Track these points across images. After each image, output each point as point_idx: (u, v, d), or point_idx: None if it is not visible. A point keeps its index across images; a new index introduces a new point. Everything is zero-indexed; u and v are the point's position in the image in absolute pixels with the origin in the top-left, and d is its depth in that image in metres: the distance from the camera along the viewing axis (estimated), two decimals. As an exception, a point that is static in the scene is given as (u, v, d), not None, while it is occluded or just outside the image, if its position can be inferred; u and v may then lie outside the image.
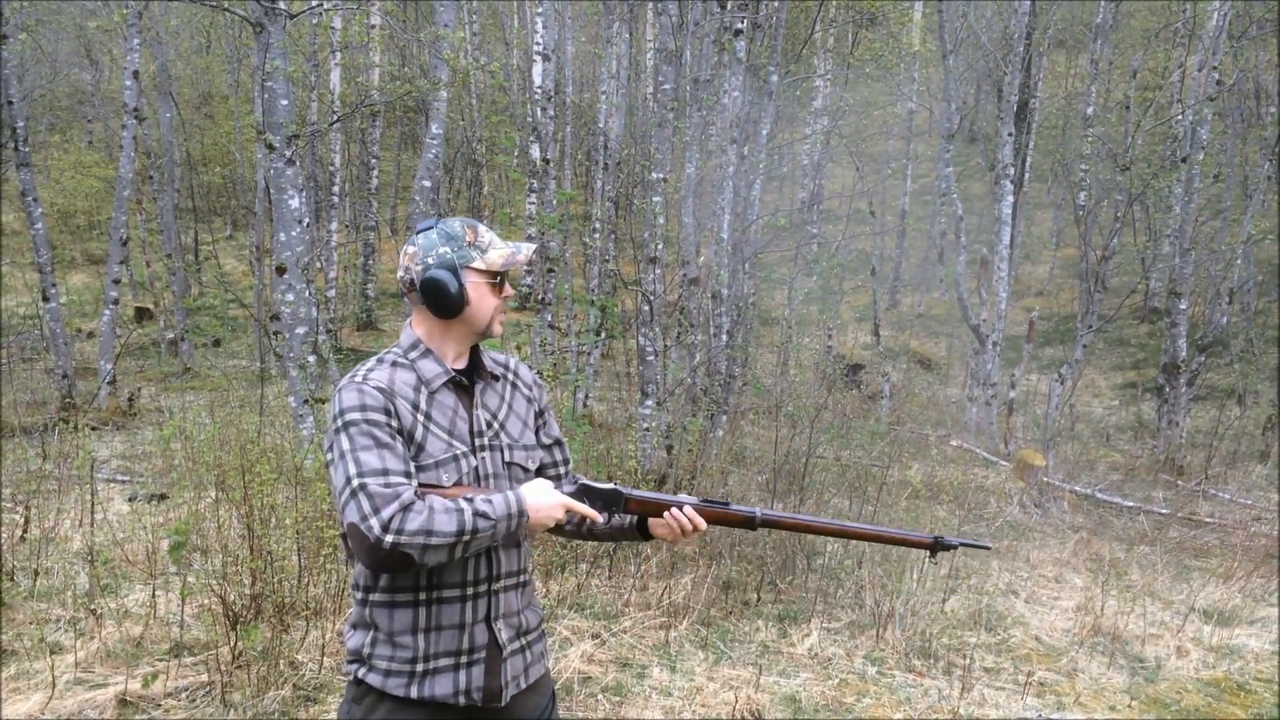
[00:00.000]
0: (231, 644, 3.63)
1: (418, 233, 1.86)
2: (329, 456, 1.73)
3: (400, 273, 1.85)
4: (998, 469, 9.65)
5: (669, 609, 4.62)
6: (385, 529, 1.60)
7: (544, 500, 1.77)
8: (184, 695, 3.47)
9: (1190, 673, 4.63)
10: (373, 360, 1.84)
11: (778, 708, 3.83)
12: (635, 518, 1.96)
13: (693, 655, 4.25)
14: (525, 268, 16.94)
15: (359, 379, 1.75)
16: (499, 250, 1.85)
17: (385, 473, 1.65)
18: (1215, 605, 5.65)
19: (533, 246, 1.88)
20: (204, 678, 3.55)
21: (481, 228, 1.87)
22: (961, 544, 1.93)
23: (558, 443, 2.04)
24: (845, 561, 5.19)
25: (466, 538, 1.65)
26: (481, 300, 1.84)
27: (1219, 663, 4.77)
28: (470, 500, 1.68)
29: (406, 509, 1.62)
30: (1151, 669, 4.64)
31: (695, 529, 1.90)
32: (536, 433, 1.99)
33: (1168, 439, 11.00)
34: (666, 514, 1.89)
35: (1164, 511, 8.30)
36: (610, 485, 1.89)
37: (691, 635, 4.45)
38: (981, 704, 4.04)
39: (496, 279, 1.85)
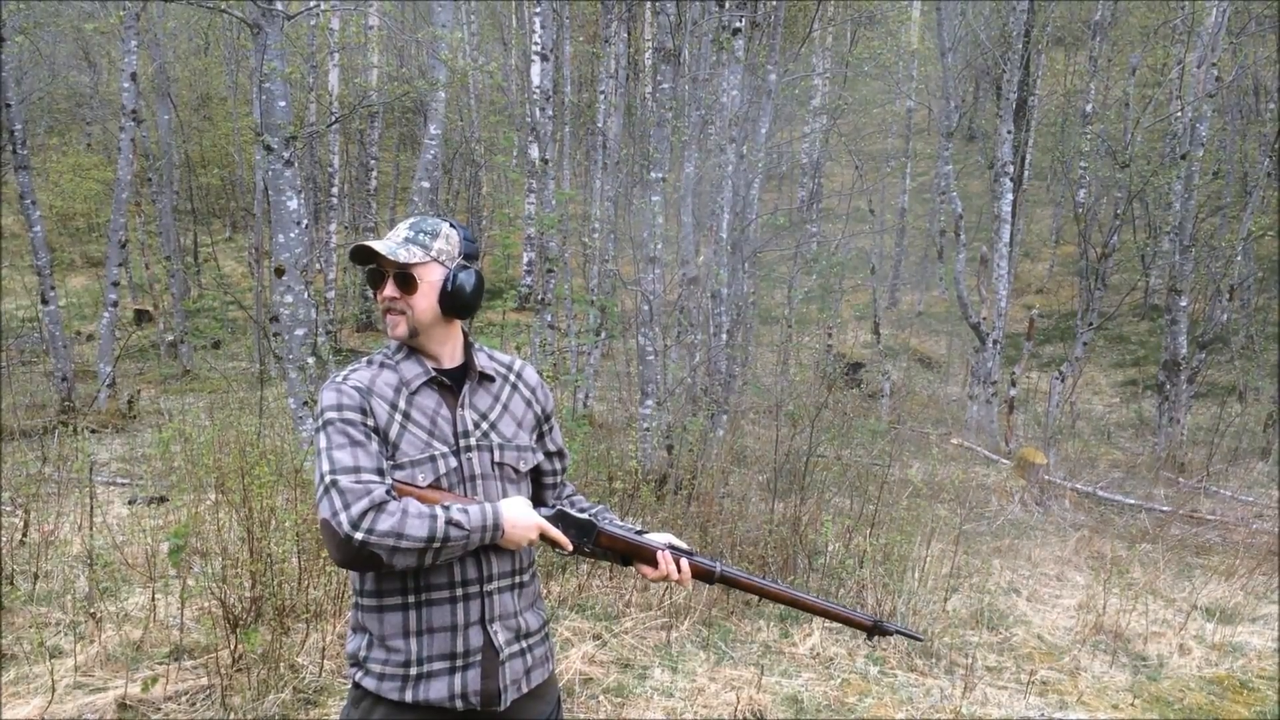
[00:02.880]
0: (231, 647, 3.62)
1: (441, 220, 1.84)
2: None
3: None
4: (999, 467, 9.64)
5: (670, 609, 4.61)
6: (355, 526, 1.61)
7: (522, 519, 1.77)
8: (184, 699, 3.46)
9: (1193, 671, 4.62)
10: (363, 360, 1.84)
11: (780, 708, 3.82)
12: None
13: (694, 656, 4.24)
14: (525, 268, 16.99)
15: (339, 379, 1.77)
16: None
17: (357, 470, 1.66)
18: (1217, 603, 5.65)
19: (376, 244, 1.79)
20: (204, 681, 3.54)
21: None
22: (898, 631, 2.04)
23: (559, 453, 2.02)
24: (846, 561, 5.18)
25: (437, 544, 1.65)
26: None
27: (1221, 660, 4.76)
28: (446, 508, 1.68)
29: (379, 508, 1.62)
30: (1154, 667, 4.64)
31: (680, 582, 1.91)
32: (541, 438, 1.97)
33: (1169, 436, 11.00)
34: (662, 561, 1.89)
35: (1165, 509, 8.30)
36: (586, 517, 1.89)
37: (693, 636, 4.44)
38: (984, 703, 4.03)
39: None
